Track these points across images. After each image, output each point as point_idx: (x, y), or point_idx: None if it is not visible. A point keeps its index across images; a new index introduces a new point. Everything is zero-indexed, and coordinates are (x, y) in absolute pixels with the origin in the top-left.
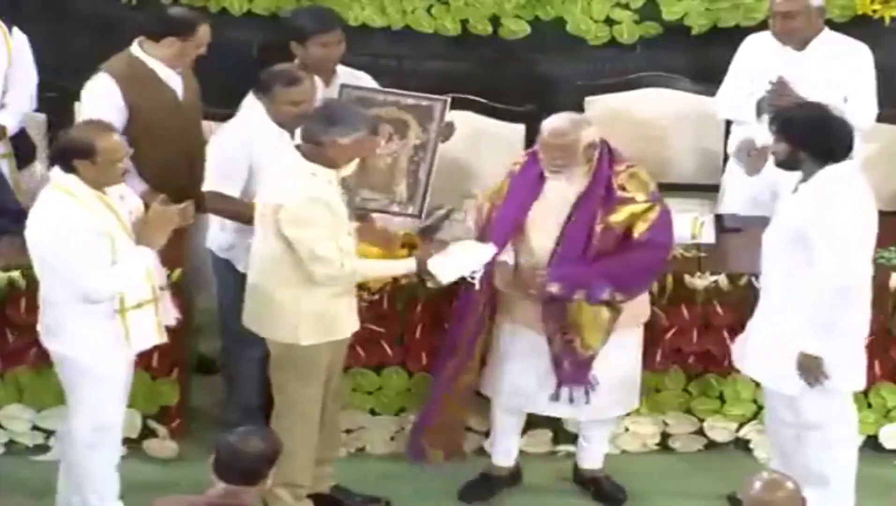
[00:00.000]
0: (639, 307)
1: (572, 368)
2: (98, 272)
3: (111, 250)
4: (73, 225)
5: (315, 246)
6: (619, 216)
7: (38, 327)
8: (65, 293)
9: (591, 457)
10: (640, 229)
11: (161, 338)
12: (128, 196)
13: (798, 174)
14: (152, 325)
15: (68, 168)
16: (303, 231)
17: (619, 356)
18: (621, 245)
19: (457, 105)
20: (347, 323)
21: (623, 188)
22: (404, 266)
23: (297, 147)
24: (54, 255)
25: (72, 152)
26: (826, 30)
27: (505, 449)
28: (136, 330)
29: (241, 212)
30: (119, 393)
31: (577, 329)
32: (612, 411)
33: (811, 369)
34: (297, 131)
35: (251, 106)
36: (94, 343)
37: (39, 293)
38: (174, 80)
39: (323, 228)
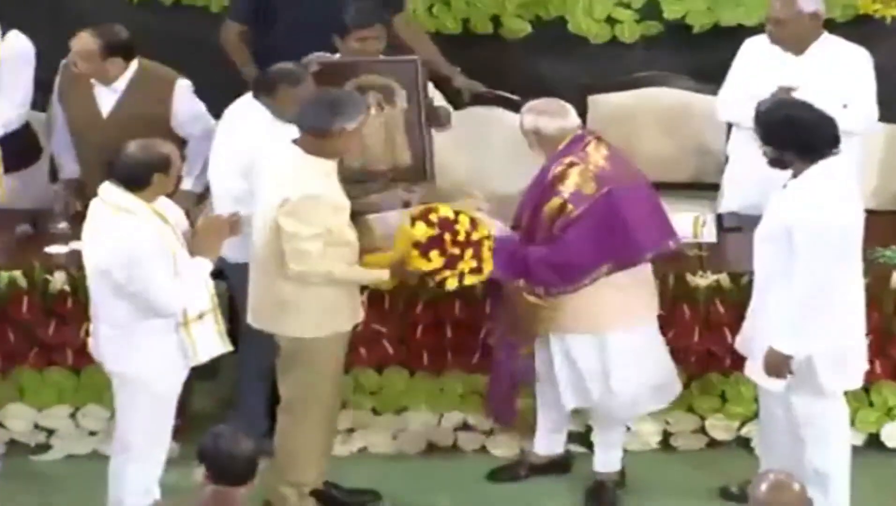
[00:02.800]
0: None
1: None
2: (169, 287)
3: (173, 264)
4: (142, 244)
5: (302, 242)
6: (549, 205)
7: (96, 350)
8: (131, 313)
9: (597, 459)
10: (557, 224)
11: (225, 346)
12: (170, 207)
13: (790, 171)
14: (214, 334)
15: (144, 184)
16: (296, 225)
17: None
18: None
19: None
20: (352, 315)
21: (560, 180)
22: (377, 275)
23: (296, 141)
24: (128, 275)
25: (153, 168)
26: (825, 34)
27: (540, 437)
28: (201, 341)
29: None
30: (173, 407)
31: (509, 315)
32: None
33: (776, 366)
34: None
35: (253, 111)
36: (161, 359)
37: (96, 316)
38: (105, 96)
39: (315, 227)
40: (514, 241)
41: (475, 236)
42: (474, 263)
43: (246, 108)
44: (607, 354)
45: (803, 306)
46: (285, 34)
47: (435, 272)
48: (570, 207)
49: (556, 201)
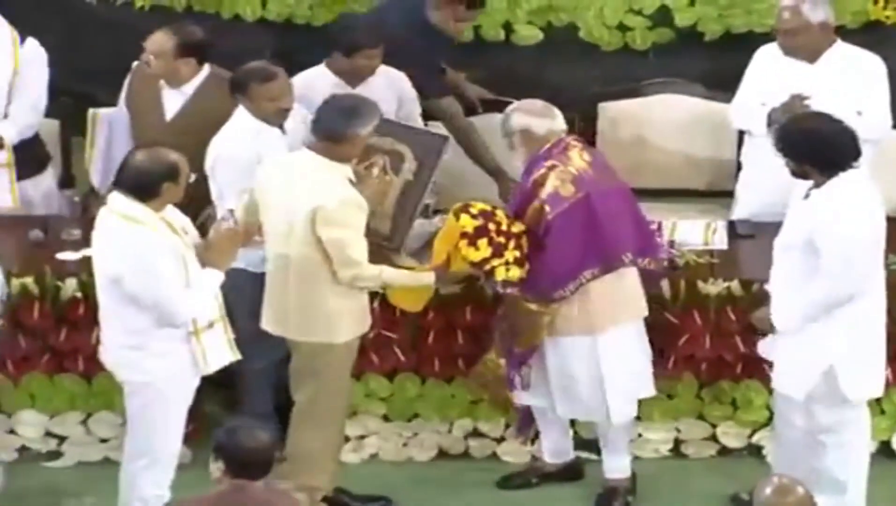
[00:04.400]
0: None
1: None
2: (181, 296)
3: (184, 272)
4: (153, 253)
5: (347, 248)
6: (530, 211)
7: (106, 359)
8: (142, 322)
9: (606, 466)
10: (540, 230)
11: (234, 355)
12: (178, 216)
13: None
14: (224, 342)
15: (153, 194)
16: (337, 232)
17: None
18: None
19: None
20: (368, 317)
21: (541, 185)
22: (425, 278)
23: (311, 147)
24: (139, 285)
25: (162, 177)
26: (838, 42)
27: (547, 445)
28: (211, 349)
29: None
30: (184, 414)
31: (511, 325)
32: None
33: (762, 325)
34: (304, 130)
35: (238, 114)
36: (173, 367)
37: (106, 325)
38: (171, 99)
39: (355, 230)
40: None
41: (515, 229)
42: (518, 253)
43: (236, 112)
44: (598, 356)
45: (815, 307)
46: None
47: (484, 262)
48: (546, 209)
49: (535, 206)
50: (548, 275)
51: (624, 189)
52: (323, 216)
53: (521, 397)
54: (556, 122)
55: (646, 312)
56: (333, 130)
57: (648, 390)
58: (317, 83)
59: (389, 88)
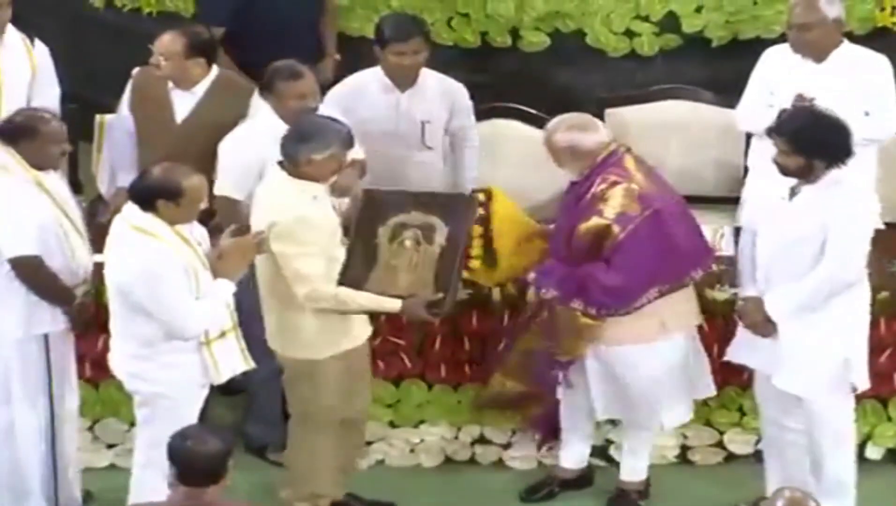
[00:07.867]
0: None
1: (548, 366)
2: (189, 310)
3: (195, 285)
4: (163, 266)
5: (299, 264)
6: (587, 224)
7: (115, 368)
8: (153, 332)
9: (623, 468)
10: (606, 247)
11: (247, 364)
12: (193, 227)
13: (791, 180)
14: (236, 351)
15: (149, 207)
16: (287, 248)
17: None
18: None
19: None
20: (359, 330)
21: (601, 200)
22: (389, 305)
23: (280, 164)
24: (148, 298)
25: (158, 193)
26: (846, 42)
27: (568, 451)
28: (223, 359)
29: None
30: (194, 422)
31: (555, 334)
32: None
33: (753, 316)
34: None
35: (260, 109)
36: (183, 377)
37: (116, 334)
38: (181, 101)
39: (308, 247)
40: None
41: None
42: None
43: (255, 113)
44: (649, 365)
45: (817, 294)
46: (267, 37)
47: None
48: (615, 229)
49: (598, 223)
50: (616, 293)
51: (681, 200)
52: (276, 232)
53: (562, 396)
54: (601, 133)
55: (698, 321)
56: (288, 154)
57: (707, 390)
58: (366, 86)
59: (442, 97)
